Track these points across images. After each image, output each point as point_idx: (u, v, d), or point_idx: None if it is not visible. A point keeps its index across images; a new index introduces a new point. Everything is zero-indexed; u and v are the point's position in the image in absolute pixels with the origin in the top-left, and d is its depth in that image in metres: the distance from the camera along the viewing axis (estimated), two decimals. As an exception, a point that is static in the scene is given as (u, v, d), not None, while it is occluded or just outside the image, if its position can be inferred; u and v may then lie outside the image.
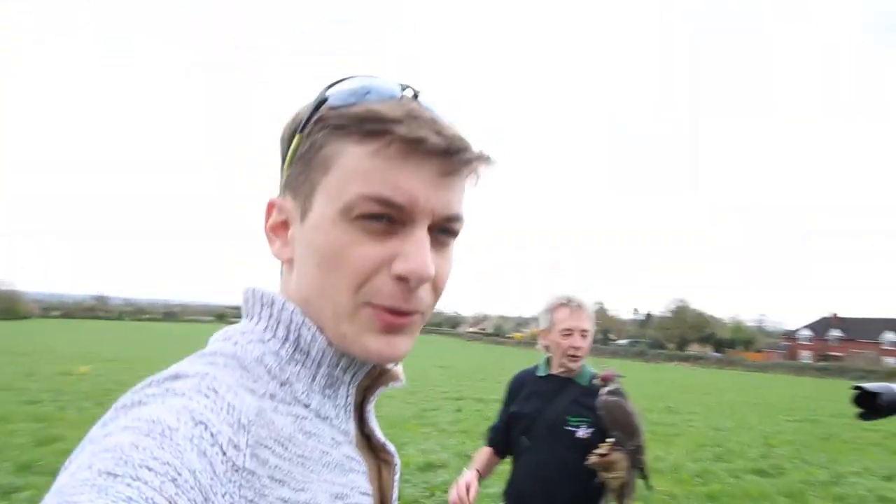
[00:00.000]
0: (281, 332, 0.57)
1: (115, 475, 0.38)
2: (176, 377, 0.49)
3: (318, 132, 0.55)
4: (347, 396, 0.59)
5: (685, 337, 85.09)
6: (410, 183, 0.52)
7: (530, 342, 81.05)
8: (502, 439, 2.34)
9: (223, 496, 0.43)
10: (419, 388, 15.17)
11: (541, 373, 2.33)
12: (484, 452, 2.38)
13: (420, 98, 0.57)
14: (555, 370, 2.28)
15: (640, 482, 2.05)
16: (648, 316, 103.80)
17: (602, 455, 1.96)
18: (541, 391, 2.25)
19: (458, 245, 0.60)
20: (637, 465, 1.95)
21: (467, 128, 0.57)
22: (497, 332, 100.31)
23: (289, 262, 0.59)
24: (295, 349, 0.56)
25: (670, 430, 10.88)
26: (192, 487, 0.40)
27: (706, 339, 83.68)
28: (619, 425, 1.97)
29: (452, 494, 2.11)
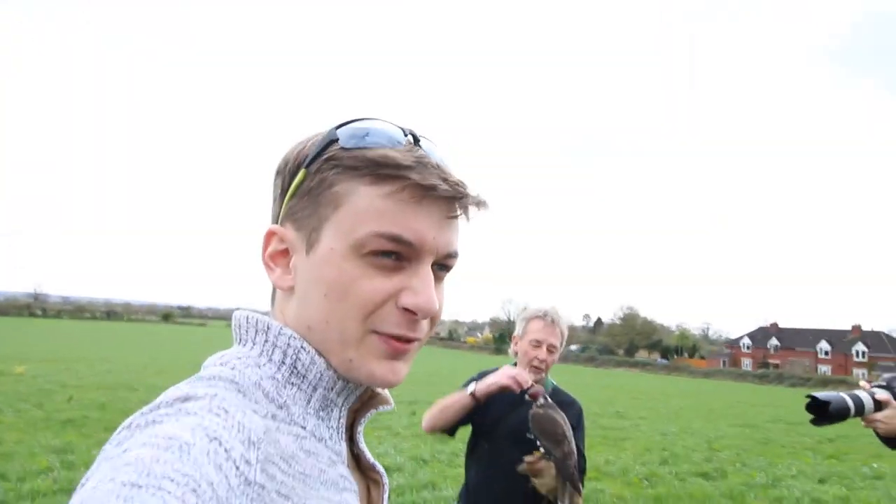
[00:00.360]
0: (277, 357, 0.59)
1: (139, 486, 0.39)
2: (186, 398, 0.51)
3: (329, 170, 0.59)
4: (340, 419, 0.62)
5: (634, 343, 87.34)
6: (420, 224, 0.57)
7: (483, 346, 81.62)
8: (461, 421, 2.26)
9: None
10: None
11: None
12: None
13: (421, 143, 0.62)
14: None
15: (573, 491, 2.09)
16: (599, 322, 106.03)
17: (530, 462, 2.03)
18: (505, 397, 2.28)
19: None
20: (564, 473, 2.00)
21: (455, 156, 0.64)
22: (450, 336, 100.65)
23: (289, 290, 0.61)
24: (291, 373, 0.59)
25: (619, 434, 11.16)
26: (211, 498, 0.42)
27: (654, 346, 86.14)
28: (546, 436, 2.01)
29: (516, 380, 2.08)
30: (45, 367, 15.63)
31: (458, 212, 0.60)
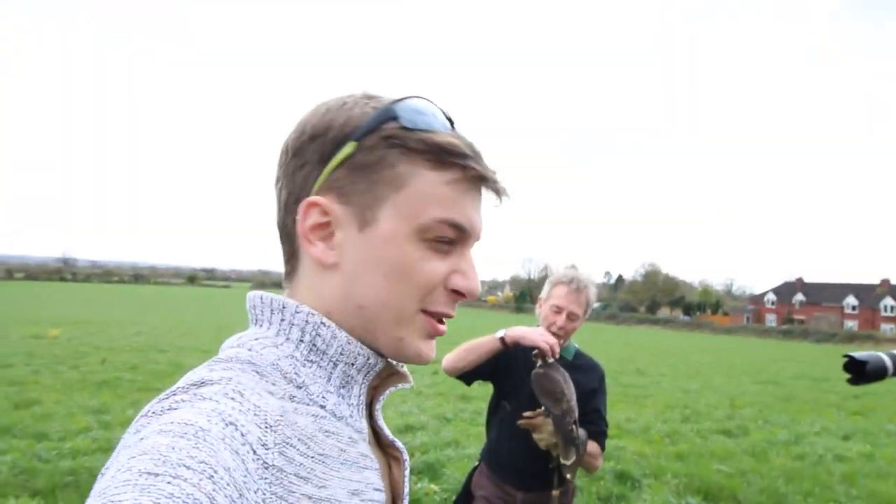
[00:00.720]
0: (295, 335, 0.58)
1: (156, 474, 0.39)
2: (202, 383, 0.50)
3: (389, 149, 0.57)
4: (360, 395, 0.61)
5: (656, 300, 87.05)
6: (472, 212, 0.60)
7: (504, 305, 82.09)
8: (486, 365, 2.23)
9: (255, 492, 0.45)
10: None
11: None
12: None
13: (455, 127, 0.63)
14: None
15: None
16: (620, 279, 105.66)
17: (528, 418, 2.08)
18: (528, 359, 2.28)
19: None
20: (561, 429, 2.02)
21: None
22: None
23: (332, 267, 0.59)
24: (311, 350, 0.58)
25: (640, 391, 11.23)
26: (228, 484, 0.42)
27: (676, 303, 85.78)
28: (545, 394, 2.04)
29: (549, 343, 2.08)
30: (78, 330, 16.14)
31: (501, 203, 0.62)
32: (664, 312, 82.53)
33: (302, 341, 0.58)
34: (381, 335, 0.59)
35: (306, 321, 0.58)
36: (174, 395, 0.49)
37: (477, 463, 2.39)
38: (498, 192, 0.61)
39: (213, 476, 0.41)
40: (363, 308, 0.58)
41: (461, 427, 7.05)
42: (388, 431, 0.66)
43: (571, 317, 2.23)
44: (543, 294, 2.31)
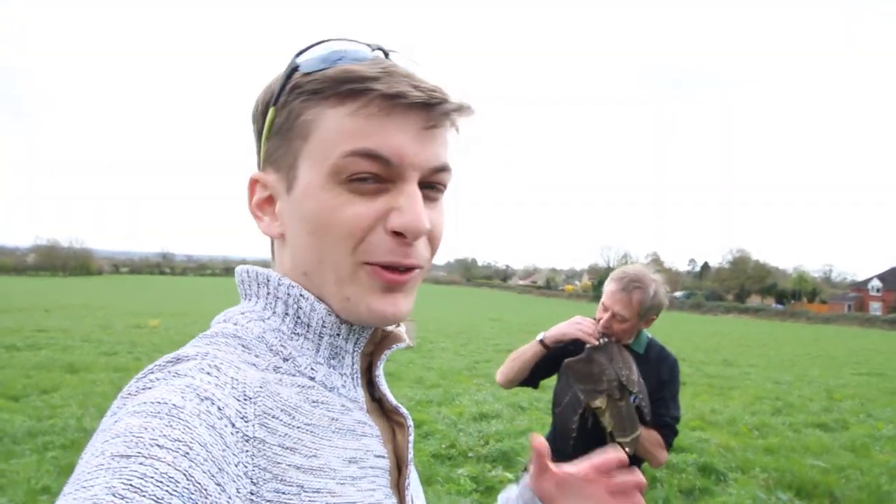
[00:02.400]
0: (280, 308, 0.57)
1: (128, 456, 0.38)
2: (177, 360, 0.50)
3: (294, 101, 0.55)
4: (353, 365, 0.59)
5: (745, 288, 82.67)
6: (395, 138, 0.52)
7: (582, 295, 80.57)
8: (538, 369, 2.22)
9: (236, 465, 0.44)
10: (471, 340, 15.37)
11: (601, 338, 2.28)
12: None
13: (392, 57, 0.58)
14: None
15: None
16: (705, 267, 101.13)
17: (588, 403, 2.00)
18: (591, 352, 2.20)
19: (447, 198, 0.60)
20: (611, 408, 1.96)
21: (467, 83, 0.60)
22: (548, 285, 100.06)
23: (280, 238, 0.59)
24: (296, 323, 0.57)
25: (726, 382, 10.71)
26: (205, 460, 0.41)
27: (767, 291, 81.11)
28: (583, 380, 1.97)
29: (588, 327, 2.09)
30: (176, 321, 17.26)
31: (437, 120, 0.54)
32: (754, 301, 78.22)
33: (287, 314, 0.57)
34: (331, 299, 0.56)
35: (288, 294, 0.57)
36: (150, 373, 0.48)
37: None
38: (429, 107, 0.52)
39: (188, 454, 0.40)
40: (307, 274, 0.56)
41: (536, 415, 6.98)
42: (391, 397, 0.64)
43: (618, 318, 2.11)
44: (603, 293, 2.23)
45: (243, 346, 0.54)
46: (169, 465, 0.38)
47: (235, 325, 0.57)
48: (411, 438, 0.64)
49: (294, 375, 0.55)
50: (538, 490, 0.77)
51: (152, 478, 0.37)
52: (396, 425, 0.64)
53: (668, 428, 2.18)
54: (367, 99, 0.52)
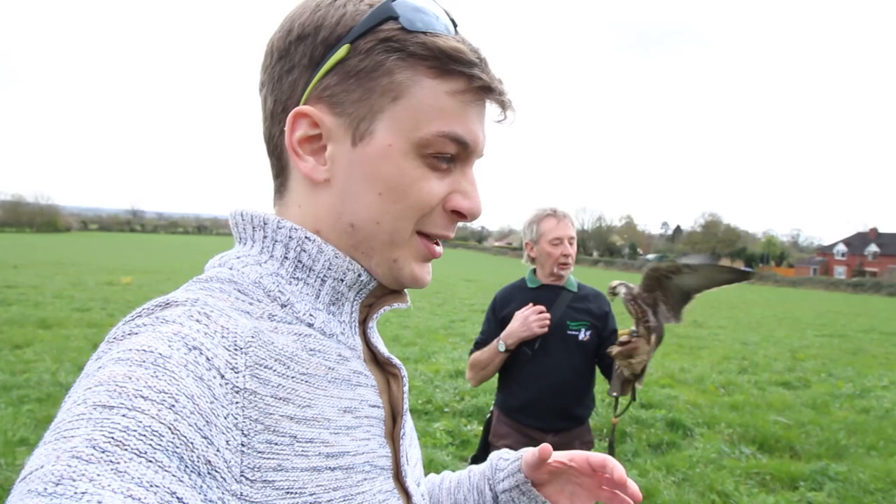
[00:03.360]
0: (279, 252, 0.55)
1: (111, 407, 0.37)
2: (166, 305, 0.48)
3: (387, 53, 0.52)
4: (352, 313, 0.58)
5: (716, 251, 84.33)
6: (476, 126, 0.56)
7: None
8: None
9: (225, 418, 0.43)
10: (447, 300, 15.48)
11: (532, 284, 2.34)
12: (476, 357, 2.35)
13: (458, 29, 0.58)
14: (546, 280, 2.31)
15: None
16: (678, 230, 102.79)
17: (624, 343, 2.03)
18: (535, 301, 2.26)
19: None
20: (660, 341, 2.04)
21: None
22: (522, 247, 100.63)
23: (322, 183, 0.55)
24: (296, 267, 0.55)
25: (696, 343, 11.01)
26: (191, 413, 0.39)
27: (737, 254, 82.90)
28: (652, 305, 2.01)
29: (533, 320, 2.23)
30: (148, 278, 17.01)
31: (506, 117, 0.57)
32: (725, 264, 79.92)
33: (286, 258, 0.55)
34: (375, 256, 0.56)
35: (289, 236, 0.55)
36: (138, 317, 0.46)
37: (489, 415, 2.39)
38: (503, 104, 0.56)
39: (173, 406, 0.39)
40: (356, 227, 0.55)
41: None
42: (383, 348, 0.63)
43: (572, 241, 2.26)
44: (529, 236, 2.31)
45: (239, 290, 0.52)
46: (153, 417, 0.37)
47: (231, 269, 0.54)
48: (406, 389, 0.63)
49: (290, 323, 0.53)
50: (532, 477, 0.78)
51: (135, 431, 0.36)
52: (391, 376, 0.63)
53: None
54: (468, 85, 0.53)
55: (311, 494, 0.47)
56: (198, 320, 0.46)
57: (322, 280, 0.55)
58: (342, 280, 0.56)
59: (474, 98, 0.54)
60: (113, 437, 0.35)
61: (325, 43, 0.53)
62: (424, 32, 0.52)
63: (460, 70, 0.53)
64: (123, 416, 0.36)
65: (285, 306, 0.53)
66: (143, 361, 0.40)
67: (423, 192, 0.54)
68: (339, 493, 0.50)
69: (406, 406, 0.63)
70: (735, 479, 4.26)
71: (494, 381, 2.42)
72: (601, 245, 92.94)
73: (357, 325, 0.59)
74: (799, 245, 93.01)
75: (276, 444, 0.46)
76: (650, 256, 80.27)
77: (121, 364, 0.40)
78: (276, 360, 0.48)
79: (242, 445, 0.43)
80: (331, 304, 0.56)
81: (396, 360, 0.63)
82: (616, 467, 0.70)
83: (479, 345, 2.38)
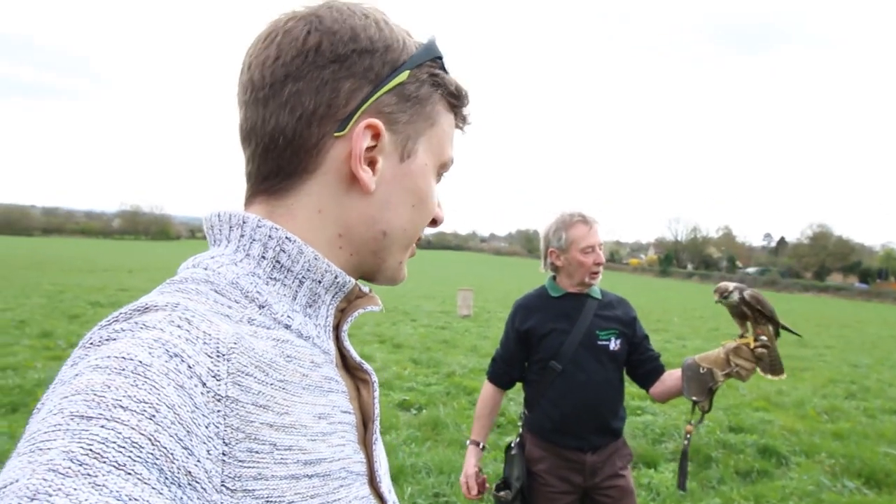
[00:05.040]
0: (256, 251, 0.54)
1: (89, 417, 0.36)
2: (145, 309, 0.47)
3: (432, 86, 0.61)
4: (328, 316, 0.58)
5: (825, 266, 78.21)
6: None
7: (647, 269, 78.50)
8: (508, 371, 2.25)
9: (206, 427, 0.42)
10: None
11: (554, 293, 2.19)
12: (487, 400, 2.28)
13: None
14: (570, 288, 2.17)
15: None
16: (782, 242, 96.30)
17: (764, 346, 1.86)
18: (560, 312, 2.14)
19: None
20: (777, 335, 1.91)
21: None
22: (612, 258, 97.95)
23: (364, 192, 0.58)
24: (273, 267, 0.54)
25: (798, 363, 10.20)
26: (172, 423, 0.39)
27: (850, 269, 76.46)
28: (768, 308, 1.87)
29: (465, 491, 2.22)
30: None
31: (463, 130, 0.68)
32: (836, 279, 73.95)
33: (264, 257, 0.54)
34: (390, 259, 0.62)
35: (269, 236, 0.54)
36: (115, 321, 0.46)
37: (517, 438, 2.25)
38: (462, 129, 0.67)
39: (154, 416, 0.38)
40: (386, 235, 0.60)
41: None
42: (355, 354, 0.62)
43: (601, 248, 2.14)
44: (557, 243, 2.15)
45: (216, 292, 0.52)
46: (133, 428, 0.36)
47: (206, 269, 0.54)
48: (376, 395, 0.63)
49: (269, 328, 0.52)
50: None
51: (114, 443, 0.35)
52: (361, 382, 0.62)
53: (659, 361, 2.19)
54: (462, 118, 0.65)
55: (289, 503, 0.47)
56: (179, 326, 0.45)
57: (300, 281, 0.55)
58: (319, 282, 0.56)
59: (459, 129, 0.66)
60: (91, 450, 0.34)
61: (392, 64, 0.57)
62: (447, 72, 0.63)
63: (459, 105, 0.64)
64: (102, 426, 0.36)
65: (263, 307, 0.53)
66: (123, 369, 0.40)
67: (434, 205, 0.64)
68: (316, 500, 0.49)
69: (377, 412, 0.63)
70: (835, 516, 3.89)
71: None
72: (696, 257, 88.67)
73: (331, 329, 0.59)
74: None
75: (256, 452, 0.45)
76: (751, 270, 75.68)
77: (99, 372, 0.39)
78: (256, 367, 0.48)
79: (223, 455, 0.43)
80: (307, 307, 0.56)
81: (367, 366, 0.63)
82: None
83: (497, 362, 2.28)
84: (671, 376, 2.09)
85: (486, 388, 2.30)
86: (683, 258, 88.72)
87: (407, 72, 0.57)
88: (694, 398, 1.92)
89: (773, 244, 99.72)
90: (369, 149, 0.56)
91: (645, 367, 2.16)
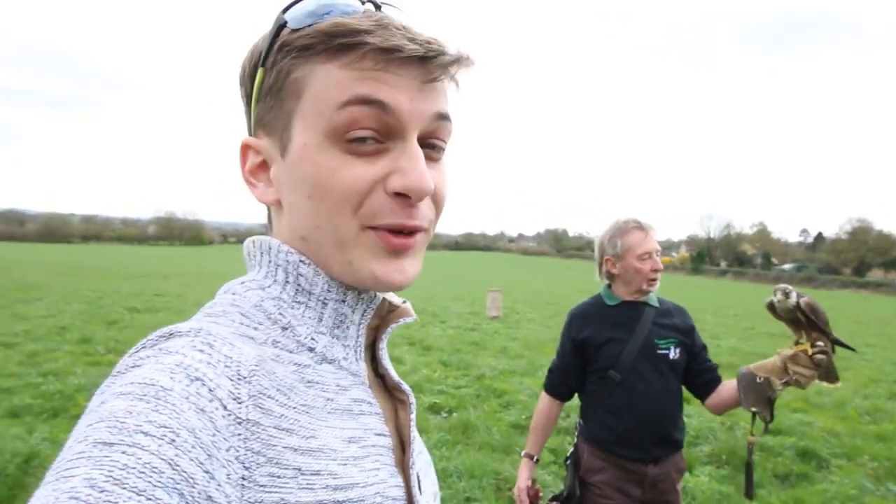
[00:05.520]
0: (280, 276, 0.55)
1: (111, 444, 0.37)
2: (170, 335, 0.48)
3: (283, 59, 0.53)
4: (358, 337, 0.57)
5: (865, 261, 75.82)
6: (392, 92, 0.50)
7: (679, 267, 77.16)
8: (566, 381, 2.22)
9: (227, 451, 0.42)
10: (559, 312, 15.17)
11: (610, 301, 2.16)
12: (543, 412, 2.25)
13: (384, 9, 0.55)
14: (627, 297, 2.14)
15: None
16: (819, 238, 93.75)
17: (823, 352, 1.82)
18: (617, 320, 2.11)
19: (449, 155, 0.59)
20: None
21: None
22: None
23: (277, 204, 0.57)
24: (297, 291, 0.55)
25: (838, 363, 9.56)
26: (193, 447, 0.39)
27: (892, 264, 73.96)
28: (822, 318, 1.83)
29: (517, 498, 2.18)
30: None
31: (437, 73, 0.52)
32: (877, 275, 71.61)
33: (287, 282, 0.55)
34: (332, 264, 0.54)
35: (287, 261, 0.55)
36: (143, 348, 0.47)
37: (572, 448, 2.22)
38: (426, 59, 0.50)
39: (174, 440, 0.38)
40: (305, 239, 0.54)
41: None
42: (393, 373, 0.61)
43: (658, 254, 2.11)
44: (613, 251, 2.12)
45: (242, 314, 0.53)
46: (153, 453, 0.37)
47: (234, 294, 0.55)
48: (413, 416, 0.61)
49: (291, 352, 0.53)
50: None
51: (134, 468, 0.36)
52: (399, 403, 0.61)
53: (716, 372, 2.15)
54: (361, 53, 0.50)
55: None
56: (201, 350, 0.46)
57: (323, 303, 0.55)
58: (343, 301, 0.56)
59: (378, 64, 0.50)
60: (112, 476, 0.35)
61: (250, 76, 0.56)
62: (310, 25, 0.52)
63: (346, 43, 0.50)
64: (123, 452, 0.36)
65: (286, 329, 0.53)
66: (145, 395, 0.40)
67: (347, 181, 0.50)
68: None
69: (414, 434, 0.61)
70: (879, 521, 3.77)
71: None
72: (730, 254, 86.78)
73: (362, 349, 0.58)
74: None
75: (279, 476, 0.45)
76: (787, 266, 73.83)
77: (122, 398, 0.40)
78: (278, 391, 0.48)
79: (243, 479, 0.43)
80: (334, 328, 0.56)
81: (405, 386, 0.62)
82: None
83: (554, 373, 2.25)
84: (727, 387, 2.05)
85: (543, 400, 2.27)
86: (717, 255, 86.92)
87: (260, 71, 0.54)
88: (754, 409, 1.88)
89: (811, 240, 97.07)
90: (261, 164, 0.57)
91: (704, 377, 2.12)
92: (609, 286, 2.20)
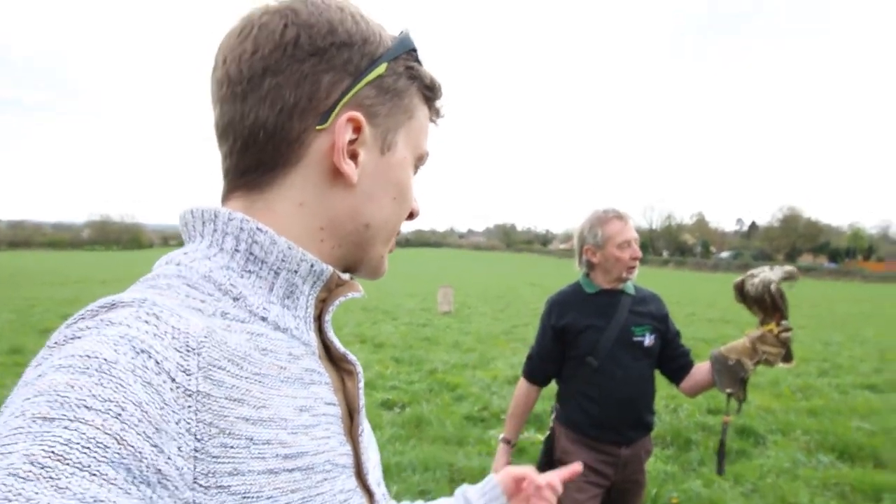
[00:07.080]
0: (229, 244, 0.54)
1: (51, 419, 0.35)
2: (112, 306, 0.45)
3: (408, 79, 0.61)
4: (307, 307, 0.57)
5: (796, 247, 79.96)
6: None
7: (625, 257, 79.13)
8: (544, 367, 2.27)
9: (177, 423, 0.41)
10: (510, 304, 15.39)
11: (589, 289, 2.22)
12: (521, 398, 2.29)
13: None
14: (606, 285, 2.20)
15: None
16: (753, 226, 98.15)
17: (785, 328, 1.93)
18: (596, 308, 2.17)
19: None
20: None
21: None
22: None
23: (348, 184, 0.58)
24: (247, 259, 0.54)
25: (772, 344, 10.40)
26: (140, 420, 0.38)
27: (820, 249, 78.35)
28: (786, 301, 1.94)
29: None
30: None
31: (436, 123, 0.68)
32: (806, 260, 75.57)
33: (237, 250, 0.54)
34: (372, 252, 0.63)
35: (240, 228, 0.53)
36: (81, 319, 0.44)
37: (549, 431, 2.28)
38: (435, 122, 0.67)
39: (120, 415, 0.37)
40: (369, 227, 0.60)
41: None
42: (339, 344, 0.62)
43: (637, 243, 2.17)
44: (593, 240, 2.18)
45: (189, 286, 0.51)
46: (97, 428, 0.36)
47: (178, 265, 0.53)
48: (361, 385, 0.62)
49: (243, 321, 0.52)
50: (503, 483, 0.91)
51: (78, 443, 0.35)
52: (345, 373, 0.62)
53: (689, 357, 2.23)
54: (434, 111, 0.65)
55: (268, 498, 0.46)
56: (146, 321, 0.43)
57: (275, 272, 0.54)
58: (296, 272, 0.55)
59: (433, 122, 0.66)
60: (53, 452, 0.34)
61: (370, 57, 0.57)
62: (421, 63, 0.62)
63: (433, 98, 0.64)
64: (65, 428, 0.35)
65: (237, 300, 0.52)
66: (87, 368, 0.38)
67: (413, 198, 0.64)
68: (297, 494, 0.48)
69: (362, 403, 0.62)
70: (811, 490, 4.00)
71: (552, 387, 2.35)
72: (671, 245, 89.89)
73: (311, 319, 0.58)
74: (889, 237, 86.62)
75: (231, 447, 0.44)
76: (724, 254, 76.98)
77: (62, 371, 0.38)
78: (229, 361, 0.47)
79: (195, 451, 0.42)
80: (285, 298, 0.55)
81: (351, 356, 0.62)
82: (536, 478, 0.91)
83: (534, 360, 2.29)
84: (699, 370, 2.13)
85: (522, 386, 2.30)
86: (659, 246, 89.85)
87: (385, 64, 0.57)
88: (728, 390, 1.97)
89: (745, 228, 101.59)
90: (351, 142, 0.56)
91: (678, 362, 2.19)
92: (587, 274, 2.25)
